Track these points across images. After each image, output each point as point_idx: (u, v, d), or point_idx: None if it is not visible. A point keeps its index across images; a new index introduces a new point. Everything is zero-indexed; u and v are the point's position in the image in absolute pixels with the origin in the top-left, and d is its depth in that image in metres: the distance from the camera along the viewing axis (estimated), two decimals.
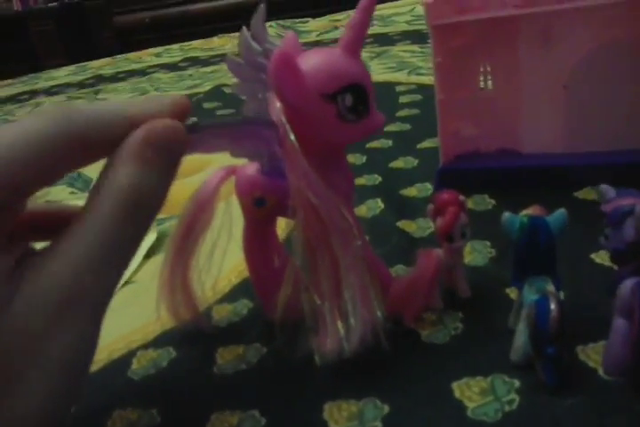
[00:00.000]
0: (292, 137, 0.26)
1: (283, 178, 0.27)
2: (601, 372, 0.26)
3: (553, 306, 0.25)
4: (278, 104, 0.26)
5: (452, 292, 0.33)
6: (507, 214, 0.28)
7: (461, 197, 0.32)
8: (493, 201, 0.44)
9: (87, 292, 0.19)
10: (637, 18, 0.41)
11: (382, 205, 0.46)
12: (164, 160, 0.22)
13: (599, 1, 0.40)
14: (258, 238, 0.32)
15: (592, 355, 0.27)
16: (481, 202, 0.44)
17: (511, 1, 0.43)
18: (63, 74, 1.52)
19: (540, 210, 0.28)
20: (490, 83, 0.46)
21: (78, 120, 0.20)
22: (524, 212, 0.28)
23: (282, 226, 0.37)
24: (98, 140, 0.21)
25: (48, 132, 0.19)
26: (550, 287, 0.27)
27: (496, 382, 0.26)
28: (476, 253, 0.37)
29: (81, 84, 1.32)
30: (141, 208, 0.21)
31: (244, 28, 0.29)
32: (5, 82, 1.57)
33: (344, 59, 0.27)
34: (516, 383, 0.26)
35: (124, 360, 0.32)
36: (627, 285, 0.25)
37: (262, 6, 0.29)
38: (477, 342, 0.29)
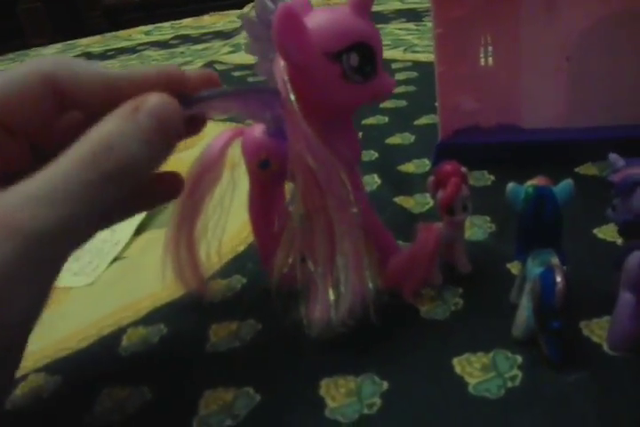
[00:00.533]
0: (293, 98, 0.25)
1: (282, 137, 0.26)
2: (605, 347, 0.25)
3: (559, 279, 0.24)
4: (282, 62, 0.25)
5: (452, 267, 0.32)
6: (511, 185, 0.27)
7: (463, 169, 0.31)
8: (493, 177, 0.43)
9: (43, 223, 0.19)
10: None
11: (379, 181, 0.45)
12: (152, 127, 0.21)
13: None
14: (262, 201, 0.31)
15: (596, 330, 0.26)
16: (480, 177, 0.43)
17: None
18: (51, 52, 1.49)
19: (545, 180, 0.27)
20: (490, 56, 0.45)
21: (58, 66, 0.23)
22: (530, 182, 0.27)
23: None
24: (72, 89, 0.23)
25: (24, 72, 0.22)
26: (555, 260, 0.26)
27: (498, 358, 0.26)
28: (476, 228, 0.36)
29: None
30: (108, 159, 0.20)
31: None
32: None
33: (351, 17, 0.25)
34: (519, 359, 0.25)
35: (114, 337, 0.31)
36: (636, 257, 0.24)
37: None
38: (478, 318, 0.28)
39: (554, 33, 0.42)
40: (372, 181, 0.45)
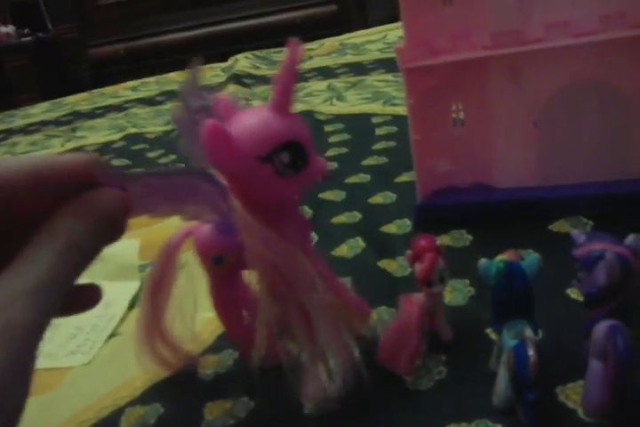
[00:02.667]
0: (236, 202, 0.26)
1: (232, 234, 0.27)
2: (580, 413, 0.27)
3: (531, 352, 0.25)
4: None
5: (435, 335, 0.33)
6: (483, 261, 0.29)
7: (438, 242, 0.32)
8: (471, 237, 0.45)
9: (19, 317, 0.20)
10: (601, 57, 0.42)
11: (363, 244, 0.47)
12: (104, 225, 0.22)
13: (564, 42, 0.42)
14: (224, 293, 0.32)
15: (571, 395, 0.28)
16: (459, 238, 0.45)
17: (480, 42, 0.44)
18: (39, 111, 1.52)
19: (514, 255, 0.29)
20: (463, 121, 0.48)
21: None
22: (499, 257, 0.29)
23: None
24: None
25: None
26: (528, 331, 0.28)
27: None
28: (457, 293, 0.38)
29: (57, 122, 1.32)
30: (77, 254, 0.21)
31: (183, 86, 0.30)
32: None
33: (275, 119, 0.27)
34: None
35: (113, 419, 0.32)
36: (600, 328, 0.26)
37: (196, 66, 0.30)
38: (461, 386, 0.30)
39: (520, 100, 0.45)
40: (357, 245, 0.47)
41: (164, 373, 0.34)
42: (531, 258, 0.29)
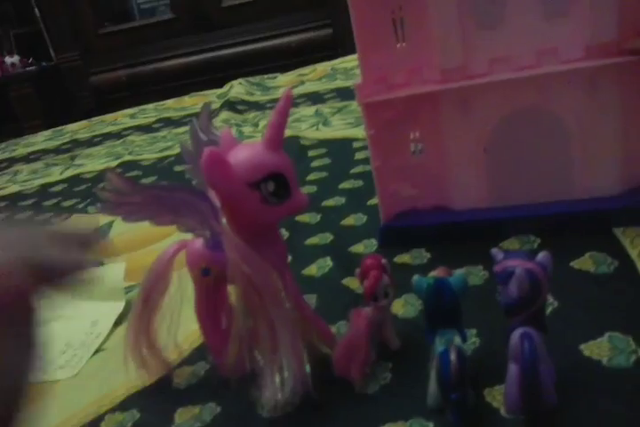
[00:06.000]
0: (225, 221, 0.31)
1: (219, 249, 0.32)
2: (502, 411, 0.30)
3: (453, 357, 0.29)
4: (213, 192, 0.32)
5: (384, 344, 0.37)
6: (415, 277, 0.32)
7: (383, 261, 0.36)
8: (429, 255, 0.49)
9: None
10: (540, 88, 0.46)
11: (331, 264, 0.50)
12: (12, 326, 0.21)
13: (506, 76, 0.46)
14: (207, 303, 0.36)
15: (497, 396, 0.31)
16: (418, 256, 0.49)
17: (431, 76, 0.49)
18: (41, 139, 1.57)
19: (444, 271, 0.33)
20: (421, 148, 0.52)
21: None
22: (431, 274, 0.33)
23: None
24: None
25: None
26: (457, 339, 0.31)
27: (414, 426, 0.30)
28: (409, 306, 0.41)
29: (57, 150, 1.37)
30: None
31: (194, 120, 0.36)
32: None
33: (266, 153, 0.32)
34: (430, 425, 0.30)
35: (94, 425, 0.36)
36: (515, 334, 0.29)
37: (208, 106, 0.36)
38: (403, 390, 0.33)
39: (470, 129, 0.49)
40: (325, 265, 0.50)
41: (146, 379, 0.38)
42: (458, 274, 0.32)
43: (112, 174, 0.31)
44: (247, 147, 0.33)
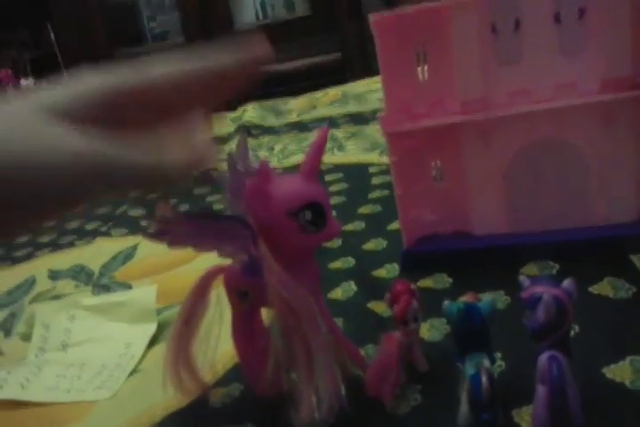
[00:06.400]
0: (264, 248, 0.33)
1: (262, 275, 0.33)
2: None
3: (484, 379, 0.31)
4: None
5: (413, 366, 0.38)
6: (446, 302, 0.34)
7: (413, 287, 0.38)
8: (451, 279, 0.50)
9: None
10: (557, 120, 0.48)
11: (355, 288, 0.52)
12: None
13: (525, 109, 0.48)
14: (244, 325, 0.38)
15: (525, 416, 0.33)
16: (440, 281, 0.50)
17: (452, 108, 0.51)
18: None
19: (473, 296, 0.34)
20: (441, 176, 0.54)
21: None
22: (461, 299, 0.34)
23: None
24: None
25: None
26: (486, 362, 0.33)
27: None
28: (434, 330, 0.43)
29: None
30: None
31: (230, 154, 0.37)
32: None
33: (303, 183, 0.34)
34: None
35: None
36: (543, 358, 0.31)
37: (244, 133, 0.38)
38: (433, 411, 0.35)
39: (490, 158, 0.51)
40: (350, 289, 0.52)
41: (183, 399, 0.39)
42: (487, 299, 0.34)
43: (160, 202, 0.33)
44: (286, 178, 0.35)
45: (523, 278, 0.33)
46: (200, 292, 0.38)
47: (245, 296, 0.36)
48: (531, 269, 0.49)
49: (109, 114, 0.29)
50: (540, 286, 0.32)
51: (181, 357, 0.38)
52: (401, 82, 0.51)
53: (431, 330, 0.43)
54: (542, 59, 0.48)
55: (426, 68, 0.51)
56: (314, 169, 0.35)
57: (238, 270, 0.36)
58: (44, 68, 3.21)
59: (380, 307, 0.48)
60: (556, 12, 0.47)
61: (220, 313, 0.38)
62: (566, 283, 0.32)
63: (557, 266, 0.49)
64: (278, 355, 0.33)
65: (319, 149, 0.35)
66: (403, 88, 0.51)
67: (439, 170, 0.54)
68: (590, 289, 0.44)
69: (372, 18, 0.48)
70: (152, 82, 0.30)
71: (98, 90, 0.29)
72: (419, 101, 0.52)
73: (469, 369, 0.32)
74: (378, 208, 0.72)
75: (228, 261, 0.37)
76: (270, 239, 0.34)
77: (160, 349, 0.48)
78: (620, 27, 0.45)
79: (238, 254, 0.36)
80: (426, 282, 0.50)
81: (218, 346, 0.38)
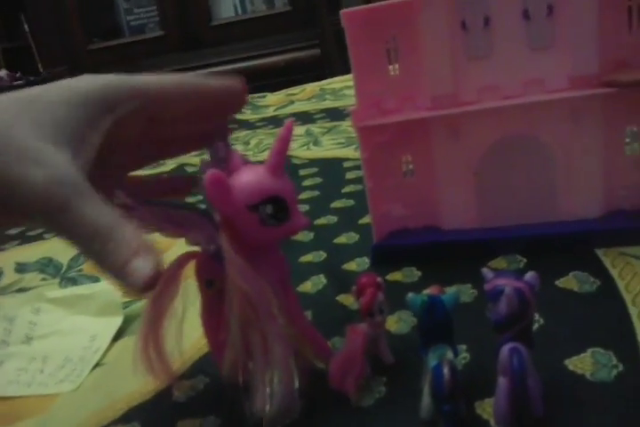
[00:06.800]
0: (224, 238, 0.33)
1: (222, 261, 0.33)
2: (492, 423, 0.32)
3: (446, 371, 0.31)
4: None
5: (378, 359, 0.38)
6: (410, 295, 0.34)
7: (379, 279, 0.38)
8: (420, 273, 0.51)
9: None
10: (526, 116, 0.49)
11: (325, 281, 0.52)
12: None
13: (494, 104, 0.48)
14: (211, 312, 0.38)
15: (487, 408, 0.33)
16: (409, 274, 0.51)
17: (422, 104, 0.51)
18: None
19: (437, 289, 0.35)
20: (412, 171, 0.54)
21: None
22: (425, 292, 0.34)
23: None
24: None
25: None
26: (449, 354, 0.33)
27: None
28: (402, 323, 0.43)
29: None
30: None
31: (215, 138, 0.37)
32: None
33: (267, 177, 0.34)
34: None
35: None
36: (504, 349, 0.31)
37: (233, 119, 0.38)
38: (397, 403, 0.35)
39: (460, 153, 0.51)
40: (319, 281, 0.52)
41: (152, 385, 0.39)
42: (450, 292, 0.34)
43: (118, 192, 0.33)
44: (250, 170, 0.35)
45: (486, 271, 0.34)
46: (170, 278, 0.37)
47: (211, 285, 0.36)
48: (499, 262, 0.50)
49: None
50: (503, 278, 0.32)
51: (151, 341, 0.37)
52: (372, 76, 0.51)
53: (399, 322, 0.43)
54: (512, 55, 0.48)
55: (396, 63, 0.51)
56: (279, 162, 0.34)
57: (206, 258, 0.36)
58: (17, 59, 3.16)
59: (348, 300, 0.48)
60: (524, 9, 0.47)
61: (183, 303, 0.37)
62: (528, 276, 0.32)
63: (525, 260, 0.49)
64: (236, 345, 0.33)
65: (284, 142, 0.34)
66: (374, 83, 0.51)
67: (410, 165, 0.54)
68: (556, 283, 0.45)
69: (343, 12, 0.48)
70: (147, 84, 0.32)
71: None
72: (390, 96, 0.52)
73: (432, 361, 0.33)
74: (351, 202, 0.72)
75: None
76: (232, 231, 0.34)
77: (126, 342, 0.48)
78: (588, 24, 0.46)
79: (205, 243, 0.36)
80: (395, 275, 0.50)
81: (184, 336, 0.38)
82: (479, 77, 0.49)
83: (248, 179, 0.34)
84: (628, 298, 0.41)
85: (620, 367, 0.34)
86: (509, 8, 0.47)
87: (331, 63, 2.73)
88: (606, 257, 0.47)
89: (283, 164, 0.34)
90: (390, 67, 0.52)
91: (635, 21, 0.46)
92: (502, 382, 0.31)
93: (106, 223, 0.28)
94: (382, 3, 0.49)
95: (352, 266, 0.55)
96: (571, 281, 0.45)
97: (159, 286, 0.37)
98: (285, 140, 0.34)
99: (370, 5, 0.49)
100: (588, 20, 0.46)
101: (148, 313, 0.37)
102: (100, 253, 0.28)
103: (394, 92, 0.51)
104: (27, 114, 0.28)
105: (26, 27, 3.10)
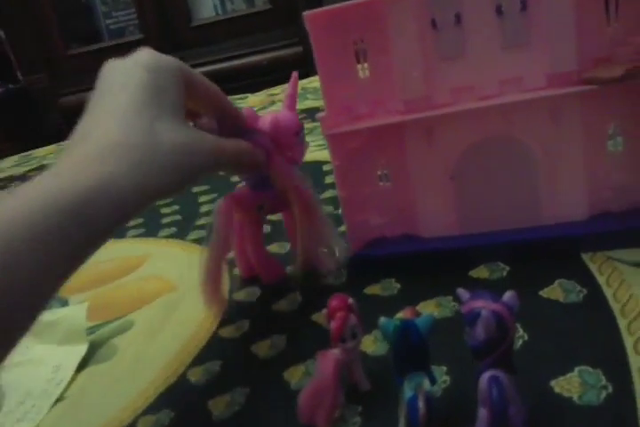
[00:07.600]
0: (279, 159, 0.48)
1: (267, 188, 0.48)
2: None
3: (421, 405, 0.28)
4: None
5: (354, 386, 0.36)
6: (382, 319, 0.32)
7: (350, 300, 0.35)
8: (399, 285, 0.48)
9: None
10: (503, 117, 0.46)
11: (300, 299, 0.49)
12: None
13: (469, 106, 0.46)
14: (257, 233, 0.52)
15: None
16: (388, 287, 0.48)
17: (394, 108, 0.48)
18: (8, 165, 1.54)
19: (411, 312, 0.32)
20: (387, 177, 0.51)
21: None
22: (398, 315, 0.32)
23: None
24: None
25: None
26: (426, 383, 0.30)
27: None
28: (379, 343, 0.41)
29: (25, 177, 1.35)
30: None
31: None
32: None
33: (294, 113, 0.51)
34: None
35: None
36: (483, 378, 0.29)
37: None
38: None
39: (436, 157, 0.48)
40: (295, 300, 0.49)
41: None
42: (424, 317, 0.32)
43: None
44: (278, 113, 0.50)
45: (461, 292, 0.31)
46: (227, 214, 0.47)
47: (261, 209, 0.50)
48: (481, 271, 0.47)
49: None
50: (480, 300, 0.30)
51: (213, 275, 0.46)
52: (341, 81, 0.49)
53: (376, 343, 0.41)
54: (486, 53, 0.46)
55: (366, 65, 0.48)
56: (293, 102, 0.51)
57: (248, 191, 0.50)
58: None
59: (322, 318, 0.45)
60: (497, 5, 0.45)
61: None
62: (507, 296, 0.30)
63: (508, 268, 0.47)
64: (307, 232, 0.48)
65: (294, 87, 0.52)
66: (343, 87, 0.49)
67: (385, 171, 0.51)
68: (541, 293, 0.42)
69: (305, 14, 0.45)
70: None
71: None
72: (360, 100, 0.49)
73: (407, 392, 0.30)
74: (330, 209, 0.69)
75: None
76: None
77: (91, 371, 0.45)
78: (564, 19, 0.43)
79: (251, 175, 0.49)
80: (373, 289, 0.48)
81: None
82: (453, 78, 0.46)
83: (286, 115, 0.50)
84: (616, 308, 0.39)
85: (610, 389, 0.32)
86: (482, 4, 0.45)
87: (313, 61, 2.70)
88: (593, 263, 0.45)
89: (296, 103, 0.51)
90: (359, 66, 0.49)
91: (612, 15, 0.44)
92: (482, 412, 0.29)
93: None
94: (347, 2, 0.46)
95: (328, 280, 0.52)
96: (556, 290, 0.42)
97: (219, 221, 0.46)
98: (294, 86, 0.52)
99: (334, 6, 0.46)
100: (565, 15, 0.43)
101: (217, 245, 0.46)
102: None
103: (364, 96, 0.49)
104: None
105: (2, 33, 3.05)
